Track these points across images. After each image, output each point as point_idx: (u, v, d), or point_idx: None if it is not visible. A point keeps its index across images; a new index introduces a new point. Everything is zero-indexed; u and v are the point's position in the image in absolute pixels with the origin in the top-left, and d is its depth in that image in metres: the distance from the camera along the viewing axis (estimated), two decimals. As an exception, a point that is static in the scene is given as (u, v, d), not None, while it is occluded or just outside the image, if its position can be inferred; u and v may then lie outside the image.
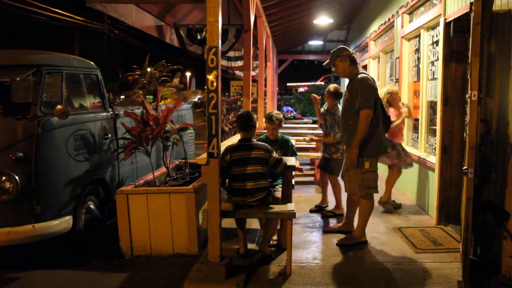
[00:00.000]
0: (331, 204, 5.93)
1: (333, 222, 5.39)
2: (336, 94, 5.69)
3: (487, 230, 3.99)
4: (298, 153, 4.99)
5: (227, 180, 4.05)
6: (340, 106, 5.44)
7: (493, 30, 3.92)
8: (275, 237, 4.58)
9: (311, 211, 5.88)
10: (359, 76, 4.43)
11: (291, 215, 3.91)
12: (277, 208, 4.01)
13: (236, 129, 8.34)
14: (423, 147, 6.37)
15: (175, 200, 4.37)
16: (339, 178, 5.32)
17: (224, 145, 4.44)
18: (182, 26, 7.42)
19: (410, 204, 6.24)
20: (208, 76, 3.64)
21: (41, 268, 4.24)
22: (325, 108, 5.86)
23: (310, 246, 4.57)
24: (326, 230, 4.99)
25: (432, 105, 6.13)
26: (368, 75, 4.52)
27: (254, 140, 4.19)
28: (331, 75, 21.33)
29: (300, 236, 4.84)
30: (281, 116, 4.93)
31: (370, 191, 4.46)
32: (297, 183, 5.13)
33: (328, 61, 4.68)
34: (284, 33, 13.32)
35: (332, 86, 5.78)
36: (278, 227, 4.57)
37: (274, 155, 4.05)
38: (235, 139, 5.77)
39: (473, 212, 3.59)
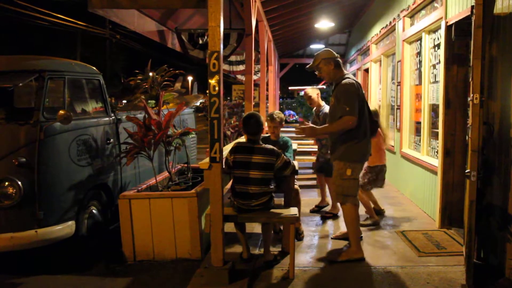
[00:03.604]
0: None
1: (334, 225, 5.39)
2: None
3: (491, 233, 3.97)
4: (300, 157, 5.01)
5: (230, 182, 4.02)
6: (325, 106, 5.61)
7: (495, 33, 3.91)
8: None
9: (312, 211, 6.02)
10: (344, 81, 4.17)
11: (294, 219, 3.91)
12: (279, 212, 4.00)
13: (237, 133, 8.37)
14: (425, 150, 6.36)
15: (177, 205, 4.37)
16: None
17: (226, 149, 4.44)
18: (184, 31, 7.45)
19: (413, 208, 6.23)
20: (210, 81, 3.65)
21: (43, 273, 4.25)
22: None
23: (313, 250, 4.56)
24: (334, 238, 4.89)
25: (434, 108, 6.12)
26: (352, 79, 4.23)
27: (261, 143, 4.06)
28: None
29: (303, 240, 4.83)
30: (282, 115, 4.99)
31: (348, 199, 4.18)
32: (300, 187, 5.11)
33: (311, 63, 4.38)
34: (285, 37, 13.33)
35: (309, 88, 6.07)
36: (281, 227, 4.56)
37: (281, 158, 3.97)
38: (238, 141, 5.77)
39: (476, 215, 3.58)
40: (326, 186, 6.04)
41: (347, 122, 4.02)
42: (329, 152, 5.61)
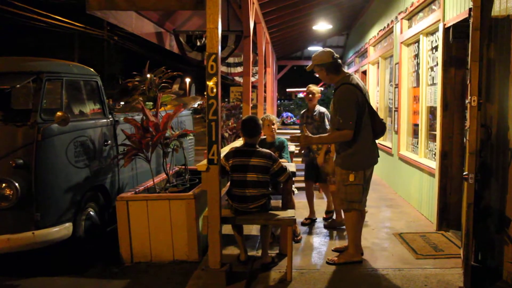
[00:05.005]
0: (319, 213, 5.72)
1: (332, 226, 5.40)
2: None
3: (488, 235, 3.97)
4: (298, 159, 5.01)
5: (228, 184, 4.02)
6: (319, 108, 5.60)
7: (492, 35, 3.92)
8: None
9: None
10: (341, 86, 4.03)
11: (291, 221, 3.90)
12: (277, 214, 3.99)
13: (235, 135, 8.37)
14: (423, 152, 6.37)
15: (175, 207, 4.36)
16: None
17: (224, 151, 4.44)
18: (182, 32, 7.45)
19: (411, 210, 6.24)
20: (208, 83, 3.65)
21: (40, 275, 4.23)
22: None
23: (311, 253, 4.55)
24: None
25: (431, 111, 6.13)
26: (350, 83, 4.02)
27: (258, 146, 4.09)
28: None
29: (300, 242, 4.82)
30: (273, 117, 5.11)
31: (353, 205, 4.09)
32: (297, 188, 5.11)
33: (309, 65, 4.29)
34: (283, 39, 13.35)
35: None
36: (278, 232, 4.54)
37: (278, 163, 3.99)
38: (235, 144, 5.77)
39: (474, 218, 3.59)
40: (314, 196, 5.70)
41: (342, 136, 3.97)
42: (319, 154, 5.57)
